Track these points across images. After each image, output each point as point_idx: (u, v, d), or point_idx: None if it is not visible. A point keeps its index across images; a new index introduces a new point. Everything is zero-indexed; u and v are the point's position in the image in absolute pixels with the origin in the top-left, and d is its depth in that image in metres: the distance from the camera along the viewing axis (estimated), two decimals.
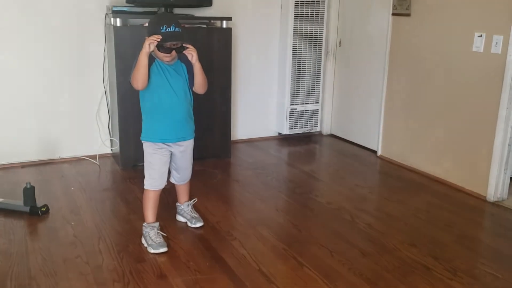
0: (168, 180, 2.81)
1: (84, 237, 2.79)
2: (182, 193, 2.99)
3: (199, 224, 2.94)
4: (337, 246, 2.77)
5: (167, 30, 2.46)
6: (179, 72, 2.65)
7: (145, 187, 2.74)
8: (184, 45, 2.53)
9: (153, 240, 2.65)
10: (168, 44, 2.49)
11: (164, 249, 2.63)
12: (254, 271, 2.48)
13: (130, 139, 3.84)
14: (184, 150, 2.76)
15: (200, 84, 2.68)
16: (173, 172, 2.86)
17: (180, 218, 3.01)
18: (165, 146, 2.69)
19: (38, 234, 2.84)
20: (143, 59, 2.46)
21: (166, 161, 2.74)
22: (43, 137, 3.98)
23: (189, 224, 2.95)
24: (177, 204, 3.03)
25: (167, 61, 2.59)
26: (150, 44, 2.44)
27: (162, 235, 2.71)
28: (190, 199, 3.02)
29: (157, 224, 2.73)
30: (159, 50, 2.51)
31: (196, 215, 2.99)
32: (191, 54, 2.55)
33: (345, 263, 2.58)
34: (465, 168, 3.63)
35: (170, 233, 2.83)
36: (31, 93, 3.88)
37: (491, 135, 3.40)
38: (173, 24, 2.47)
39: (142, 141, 2.72)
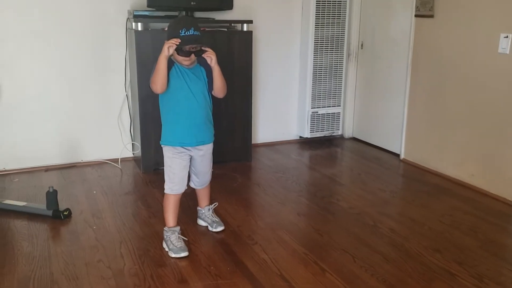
0: (188, 185, 2.81)
1: (105, 241, 2.80)
2: (203, 197, 2.99)
3: (220, 228, 2.93)
4: (359, 251, 2.73)
5: (186, 33, 2.46)
6: (199, 75, 2.64)
7: (165, 191, 2.74)
8: (203, 48, 2.53)
9: (174, 245, 2.65)
10: (187, 47, 2.49)
11: (185, 254, 2.62)
12: (275, 276, 2.46)
13: (151, 143, 3.86)
14: (204, 154, 2.75)
15: (219, 88, 2.66)
16: (193, 177, 2.86)
17: (201, 222, 3.01)
18: (185, 150, 2.69)
19: (60, 237, 2.87)
20: (162, 63, 2.46)
21: (186, 165, 2.73)
22: (66, 141, 4.03)
23: (210, 228, 2.95)
24: (198, 208, 3.03)
25: (187, 65, 2.59)
26: (169, 47, 2.44)
27: (183, 240, 2.71)
28: (211, 203, 3.02)
29: (178, 228, 2.73)
30: (178, 53, 2.52)
31: (217, 219, 2.98)
32: (210, 57, 2.54)
33: (368, 269, 2.54)
34: (491, 172, 3.56)
35: (191, 237, 2.83)
36: (54, 97, 3.93)
37: None
38: (192, 28, 2.47)
39: (162, 145, 2.72)
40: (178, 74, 2.58)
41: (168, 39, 2.47)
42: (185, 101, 2.60)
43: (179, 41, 2.44)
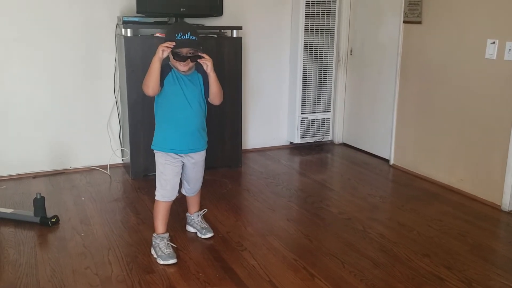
0: (179, 191, 2.79)
1: (93, 247, 2.78)
2: (193, 204, 2.97)
3: (209, 235, 2.91)
4: (349, 256, 2.73)
5: (182, 37, 2.43)
6: (195, 82, 2.61)
7: (156, 198, 2.71)
8: (199, 54, 2.49)
9: (162, 251, 2.62)
10: (183, 51, 2.46)
11: (174, 261, 2.60)
12: (264, 282, 2.45)
13: (140, 149, 3.85)
14: (196, 162, 2.73)
15: (215, 94, 2.63)
16: (184, 183, 2.84)
17: (190, 229, 2.99)
18: (177, 157, 2.67)
19: (47, 244, 2.84)
20: (155, 64, 2.43)
21: (178, 172, 2.71)
22: (55, 148, 4.00)
23: (199, 234, 2.93)
24: (187, 214, 3.01)
25: (183, 71, 2.55)
26: (163, 50, 2.41)
27: (172, 246, 2.69)
28: (200, 209, 3.00)
29: (167, 235, 2.71)
30: (174, 57, 2.48)
31: (206, 226, 2.96)
32: (206, 64, 2.51)
33: (357, 274, 2.54)
34: (479, 177, 3.58)
35: (180, 244, 2.81)
36: (43, 103, 3.91)
37: (505, 143, 3.34)
38: (189, 32, 2.45)
39: (154, 150, 2.69)
40: (174, 80, 2.55)
41: (167, 40, 2.45)
42: (179, 107, 2.58)
43: (174, 44, 2.41)
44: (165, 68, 2.52)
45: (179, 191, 2.78)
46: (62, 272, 2.51)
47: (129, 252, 2.74)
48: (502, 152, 3.37)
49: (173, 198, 2.72)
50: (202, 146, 2.73)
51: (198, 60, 2.51)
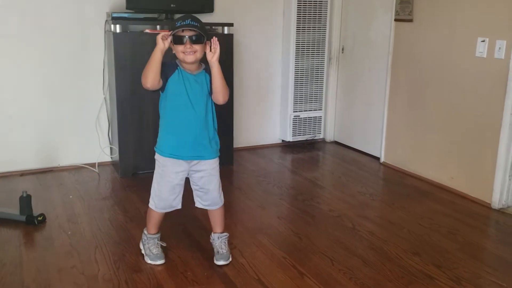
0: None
1: (80, 246, 2.74)
2: (213, 221, 2.65)
3: (221, 262, 2.56)
4: (338, 254, 2.71)
5: (182, 23, 2.29)
6: (201, 83, 2.41)
7: (149, 204, 2.55)
8: (207, 40, 2.34)
9: (151, 251, 2.57)
10: (180, 30, 2.28)
11: (161, 261, 2.55)
12: (252, 280, 2.43)
13: (129, 147, 3.81)
14: (203, 175, 2.50)
15: (218, 89, 2.39)
16: (195, 193, 2.57)
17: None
18: (178, 164, 2.45)
19: (33, 243, 2.80)
20: (155, 54, 2.27)
21: (176, 186, 2.48)
22: (43, 145, 3.96)
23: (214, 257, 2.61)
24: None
25: (189, 62, 2.35)
26: (162, 39, 2.26)
27: (162, 245, 2.63)
28: (224, 230, 2.67)
29: (158, 235, 2.63)
30: (174, 43, 2.31)
31: (222, 251, 2.59)
32: (214, 51, 2.33)
33: (346, 272, 2.52)
34: (470, 174, 3.57)
35: (168, 242, 2.77)
36: (31, 100, 3.86)
37: (495, 141, 3.34)
38: (189, 19, 2.30)
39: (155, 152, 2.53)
40: (179, 79, 2.37)
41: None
42: (182, 109, 2.39)
43: (170, 32, 2.28)
44: (171, 66, 2.37)
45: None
46: (48, 271, 2.47)
47: (117, 250, 2.70)
48: (493, 150, 3.37)
49: (166, 211, 2.55)
50: (210, 154, 2.49)
51: (205, 42, 2.33)
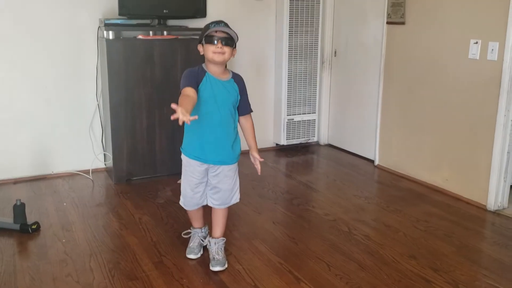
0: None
1: (75, 254, 2.72)
2: (214, 222, 2.68)
3: (217, 268, 2.55)
4: (335, 259, 2.70)
5: (215, 26, 2.39)
6: (230, 90, 2.50)
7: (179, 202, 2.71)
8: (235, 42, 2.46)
9: (189, 243, 2.73)
10: (213, 30, 2.38)
11: (190, 256, 2.67)
12: (249, 286, 2.42)
13: (123, 153, 3.79)
14: (219, 173, 2.56)
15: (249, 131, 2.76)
16: (208, 193, 2.63)
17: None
18: (200, 165, 2.53)
19: (27, 252, 2.77)
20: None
21: (198, 184, 2.57)
22: (36, 153, 3.93)
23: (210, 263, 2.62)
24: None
25: (218, 61, 2.42)
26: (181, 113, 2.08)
27: (202, 241, 2.73)
28: (222, 235, 2.68)
29: (199, 230, 2.74)
30: (206, 42, 2.41)
31: (218, 257, 2.60)
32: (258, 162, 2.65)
33: (343, 277, 2.51)
34: (464, 176, 3.58)
35: (164, 249, 2.77)
36: (24, 107, 3.83)
37: (489, 143, 3.35)
38: (223, 24, 2.41)
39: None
40: (207, 84, 2.43)
41: (200, 38, 2.45)
42: (209, 112, 2.44)
43: (195, 118, 2.20)
44: (200, 73, 2.44)
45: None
46: (42, 280, 2.45)
47: (112, 258, 2.68)
48: (487, 152, 3.37)
49: (193, 208, 2.67)
50: (232, 160, 2.59)
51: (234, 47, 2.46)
